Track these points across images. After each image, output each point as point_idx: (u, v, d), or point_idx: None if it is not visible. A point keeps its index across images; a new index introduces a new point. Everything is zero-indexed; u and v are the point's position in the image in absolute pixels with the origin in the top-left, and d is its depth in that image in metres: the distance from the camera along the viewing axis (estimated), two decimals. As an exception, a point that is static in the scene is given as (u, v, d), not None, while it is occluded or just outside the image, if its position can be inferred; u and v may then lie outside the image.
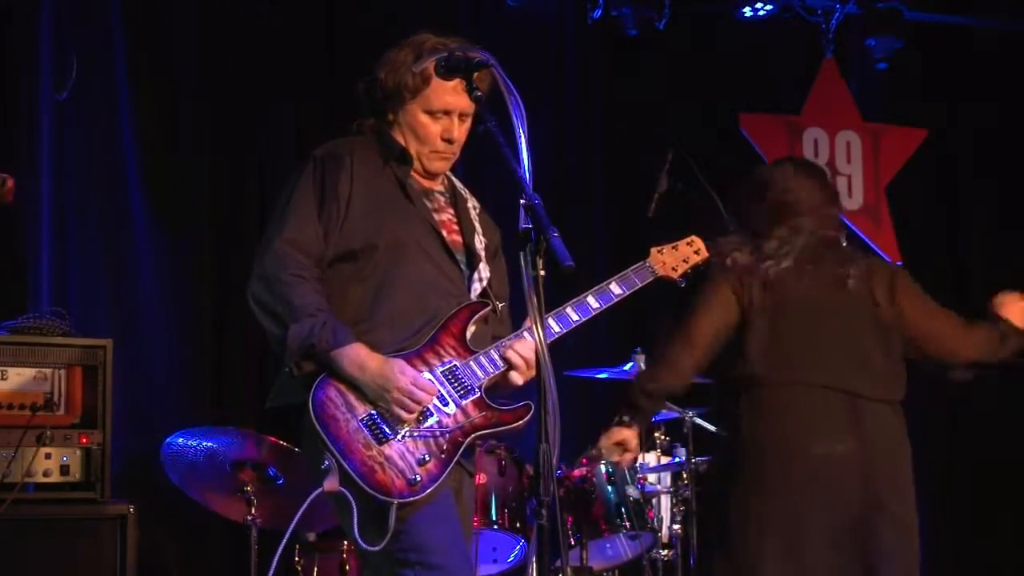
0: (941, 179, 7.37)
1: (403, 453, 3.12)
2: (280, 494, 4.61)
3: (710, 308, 3.88)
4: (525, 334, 3.29)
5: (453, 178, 3.56)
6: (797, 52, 7.12)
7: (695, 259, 3.71)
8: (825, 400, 3.80)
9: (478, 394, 3.24)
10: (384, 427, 3.13)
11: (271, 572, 3.38)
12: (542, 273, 2.70)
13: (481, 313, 3.34)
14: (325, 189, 3.28)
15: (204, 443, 4.57)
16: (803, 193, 3.99)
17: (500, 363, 3.27)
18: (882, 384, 3.87)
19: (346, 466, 3.07)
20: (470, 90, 3.05)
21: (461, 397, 3.22)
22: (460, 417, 3.21)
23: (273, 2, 6.05)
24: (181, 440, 4.56)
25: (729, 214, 4.26)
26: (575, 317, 3.36)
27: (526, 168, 2.77)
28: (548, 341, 2.68)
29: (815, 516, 3.73)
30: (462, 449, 3.20)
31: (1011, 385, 6.22)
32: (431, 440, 3.15)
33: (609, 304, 3.44)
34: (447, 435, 3.18)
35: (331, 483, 3.06)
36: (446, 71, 3.09)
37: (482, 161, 4.60)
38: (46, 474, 4.35)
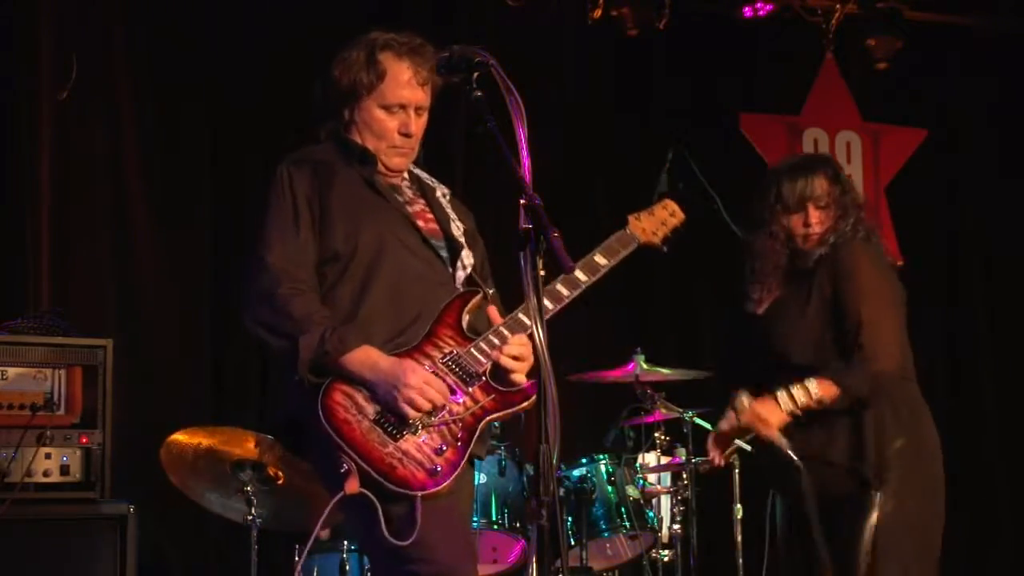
0: (941, 179, 7.37)
1: (419, 446, 3.13)
2: (280, 494, 4.60)
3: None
4: (509, 334, 3.28)
5: (416, 170, 3.58)
6: (797, 52, 7.12)
7: (672, 222, 3.76)
8: None
9: (483, 380, 3.26)
10: (396, 423, 3.14)
11: (296, 572, 3.39)
12: (542, 273, 2.70)
13: (473, 301, 3.36)
14: (297, 202, 3.30)
15: (204, 443, 4.56)
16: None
17: (497, 344, 3.27)
18: None
19: (365, 467, 3.08)
20: (469, 91, 3.06)
21: (467, 384, 3.24)
22: (469, 403, 3.23)
23: (272, 2, 6.05)
24: (181, 440, 4.55)
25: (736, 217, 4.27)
26: (566, 292, 3.37)
27: (526, 168, 2.77)
28: (545, 318, 2.68)
29: None
30: (476, 434, 3.21)
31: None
32: (444, 429, 3.17)
33: (597, 276, 3.46)
34: (459, 422, 3.20)
35: (352, 485, 3.06)
36: (447, 71, 3.09)
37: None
38: (46, 474, 4.36)
